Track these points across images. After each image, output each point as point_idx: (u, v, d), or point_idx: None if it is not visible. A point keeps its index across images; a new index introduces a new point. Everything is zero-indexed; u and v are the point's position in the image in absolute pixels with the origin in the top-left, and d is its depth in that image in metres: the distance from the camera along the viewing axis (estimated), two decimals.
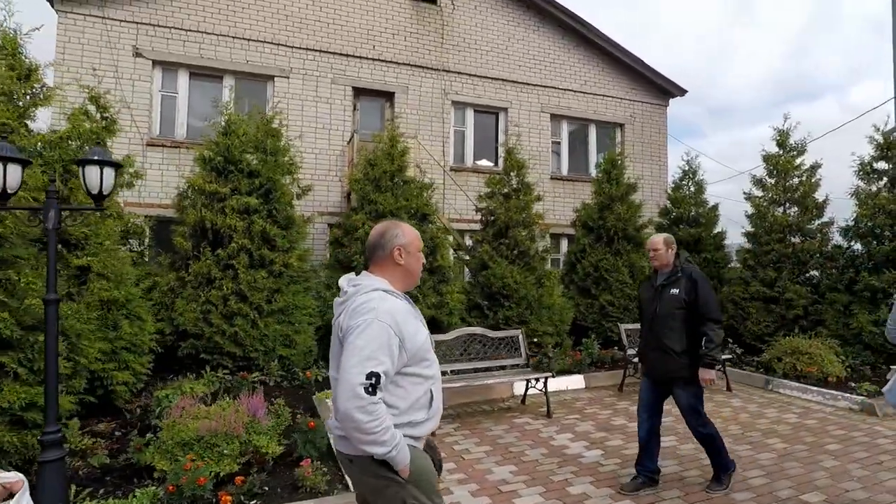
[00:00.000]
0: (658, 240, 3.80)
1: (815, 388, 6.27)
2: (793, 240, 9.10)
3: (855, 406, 5.77)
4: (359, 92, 10.82)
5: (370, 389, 1.65)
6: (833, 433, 5.06)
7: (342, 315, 1.84)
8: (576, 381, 7.00)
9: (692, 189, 10.99)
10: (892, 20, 13.02)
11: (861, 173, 8.34)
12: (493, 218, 9.14)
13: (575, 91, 12.39)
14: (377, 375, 1.66)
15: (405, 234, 1.97)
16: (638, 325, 6.91)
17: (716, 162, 55.64)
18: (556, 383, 6.73)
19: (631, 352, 6.68)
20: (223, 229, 6.87)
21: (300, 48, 10.10)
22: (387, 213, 7.99)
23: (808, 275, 9.00)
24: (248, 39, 9.72)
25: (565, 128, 12.52)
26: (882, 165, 8.19)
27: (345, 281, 1.94)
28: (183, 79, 9.52)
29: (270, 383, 6.33)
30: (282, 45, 9.96)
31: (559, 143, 12.48)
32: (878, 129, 8.18)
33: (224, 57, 9.56)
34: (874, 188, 8.20)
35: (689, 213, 10.67)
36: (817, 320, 8.26)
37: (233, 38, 9.62)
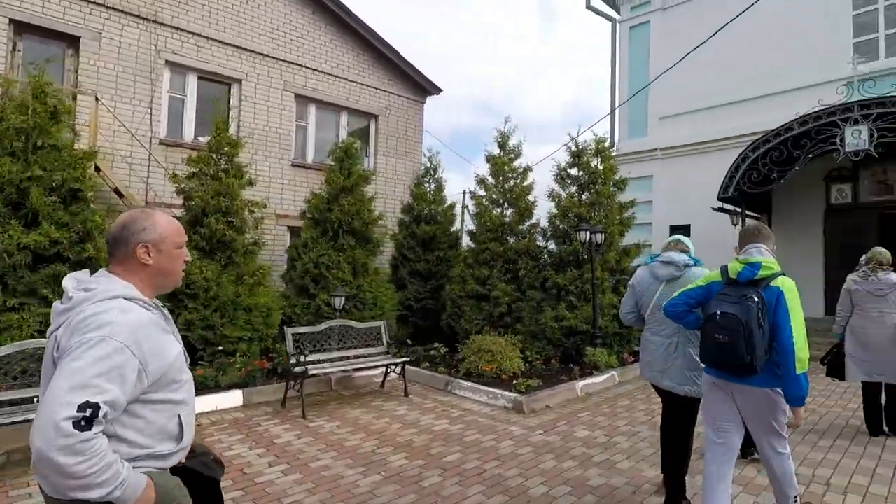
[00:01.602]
0: None
1: (484, 388, 6.20)
2: (510, 240, 9.41)
3: (508, 404, 5.76)
4: (22, 28, 8.30)
5: (81, 424, 1.28)
6: (466, 439, 4.81)
7: (62, 328, 1.44)
8: (231, 399, 5.90)
9: (433, 186, 10.88)
10: (610, 48, 14.92)
11: (558, 178, 8.89)
12: (192, 202, 7.65)
13: (326, 73, 11.45)
14: (94, 406, 1.30)
15: (157, 227, 1.61)
16: (315, 329, 6.45)
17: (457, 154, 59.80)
18: (207, 402, 5.58)
19: (293, 361, 5.80)
20: None
21: None
22: (5, 185, 5.98)
23: (521, 273, 9.38)
24: None
25: (313, 112, 11.50)
26: (574, 172, 8.82)
27: (72, 282, 1.53)
28: None
29: None
30: None
31: (305, 128, 11.42)
32: (572, 138, 8.80)
33: None
34: (565, 192, 8.79)
35: (427, 210, 10.51)
36: (518, 317, 8.56)
37: None
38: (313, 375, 5.70)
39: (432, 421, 5.35)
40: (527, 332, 8.11)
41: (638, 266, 3.81)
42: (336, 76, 11.59)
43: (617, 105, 13.85)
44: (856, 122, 8.19)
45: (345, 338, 6.71)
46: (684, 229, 12.40)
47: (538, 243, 9.19)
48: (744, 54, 11.88)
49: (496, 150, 9.72)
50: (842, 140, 8.32)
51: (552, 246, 8.87)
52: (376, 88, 12.28)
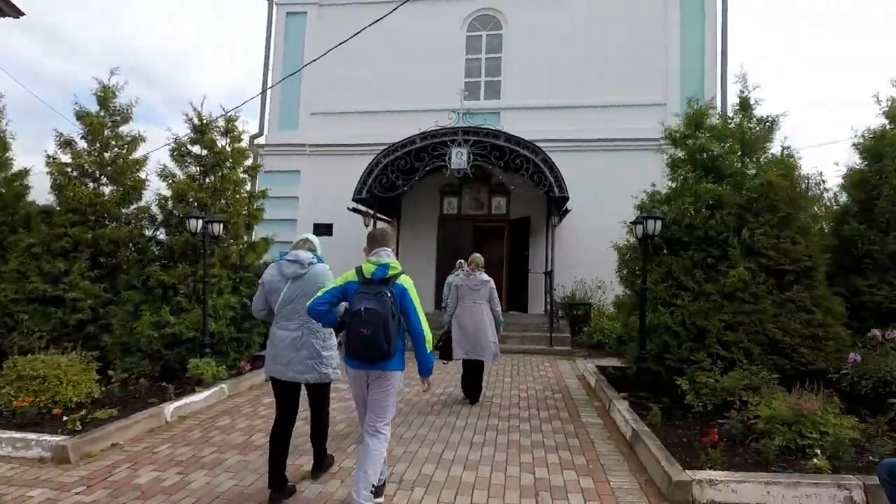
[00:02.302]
0: None
1: (5, 435, 4.28)
2: (108, 225, 7.31)
3: (46, 453, 4.11)
4: None
5: None
6: None
7: None
8: None
9: None
10: (266, 30, 14.01)
11: (176, 155, 7.40)
12: None
13: None
14: None
15: None
16: None
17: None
18: None
19: None
20: None
21: None
22: None
23: (123, 269, 7.38)
24: None
25: None
26: (197, 150, 7.48)
27: None
28: None
29: None
30: None
31: None
32: (195, 108, 7.42)
33: None
34: (183, 173, 7.38)
35: None
36: (106, 325, 6.67)
37: None
38: None
39: None
40: (117, 343, 6.36)
41: (269, 263, 3.86)
42: None
43: (267, 87, 12.98)
44: (459, 144, 9.62)
45: None
46: (327, 228, 12.51)
47: (146, 232, 7.44)
48: (390, 70, 12.80)
49: (95, 107, 7.46)
50: (449, 159, 9.65)
51: (162, 236, 7.30)
52: None
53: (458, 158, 9.59)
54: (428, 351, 3.10)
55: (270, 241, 8.00)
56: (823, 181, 15.60)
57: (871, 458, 3.88)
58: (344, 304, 3.09)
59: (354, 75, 12.91)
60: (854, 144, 6.67)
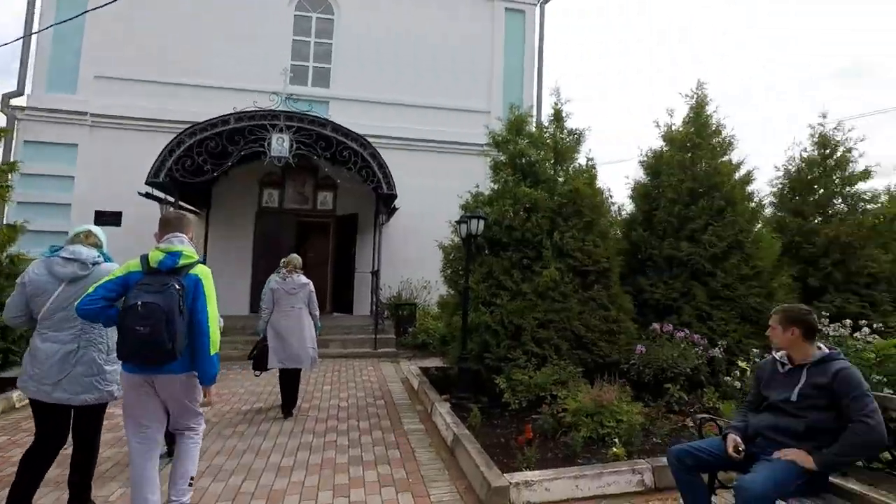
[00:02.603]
0: None
1: None
2: None
3: None
4: None
5: None
6: None
7: None
8: None
9: None
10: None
11: None
12: None
13: None
14: None
15: None
16: None
17: None
18: None
19: None
20: None
21: None
22: None
23: None
24: None
25: None
26: None
27: None
28: None
29: None
30: None
31: None
32: None
33: None
34: None
35: None
36: None
37: None
38: None
39: None
40: None
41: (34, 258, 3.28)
42: None
43: (31, 31, 10.32)
44: (281, 130, 8.74)
45: None
46: (114, 217, 10.45)
47: None
48: (204, 39, 11.17)
49: None
50: (269, 145, 8.71)
51: None
52: None
53: (279, 145, 8.71)
54: (212, 353, 2.72)
55: (20, 230, 6.23)
56: (611, 195, 18.08)
57: (654, 439, 4.33)
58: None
59: (160, 39, 10.99)
60: (640, 161, 7.64)
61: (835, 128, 7.84)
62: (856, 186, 7.57)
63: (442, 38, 12.44)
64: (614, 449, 3.79)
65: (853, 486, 2.76)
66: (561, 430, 4.34)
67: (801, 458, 2.43)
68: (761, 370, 2.88)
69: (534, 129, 6.93)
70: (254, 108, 8.76)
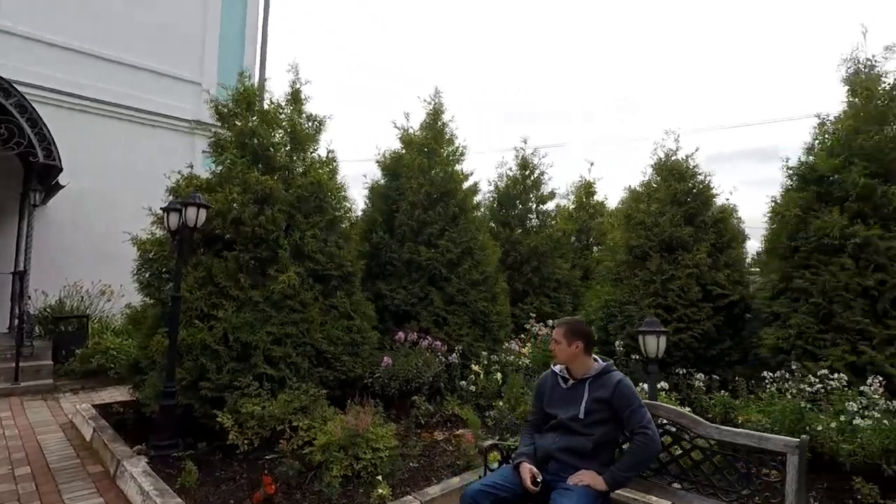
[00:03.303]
0: None
1: None
2: None
3: None
4: None
5: None
6: None
7: None
8: None
9: None
10: None
11: None
12: None
13: None
14: None
15: None
16: None
17: None
18: None
19: None
20: None
21: None
22: None
23: None
24: None
25: None
26: None
27: None
28: None
29: None
30: None
31: None
32: None
33: None
34: None
35: None
36: None
37: None
38: None
39: None
40: None
41: None
42: None
43: None
44: None
45: None
46: None
47: None
48: None
49: None
50: None
51: None
52: None
53: None
54: None
55: None
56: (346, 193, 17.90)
57: (411, 463, 3.95)
58: None
59: None
60: (377, 162, 7.40)
61: (531, 153, 9.24)
62: (546, 205, 9.04)
63: None
64: (379, 490, 3.21)
65: (629, 494, 2.80)
66: (310, 473, 3.53)
67: (594, 480, 2.31)
68: (542, 386, 2.74)
69: (267, 106, 5.87)
70: None
